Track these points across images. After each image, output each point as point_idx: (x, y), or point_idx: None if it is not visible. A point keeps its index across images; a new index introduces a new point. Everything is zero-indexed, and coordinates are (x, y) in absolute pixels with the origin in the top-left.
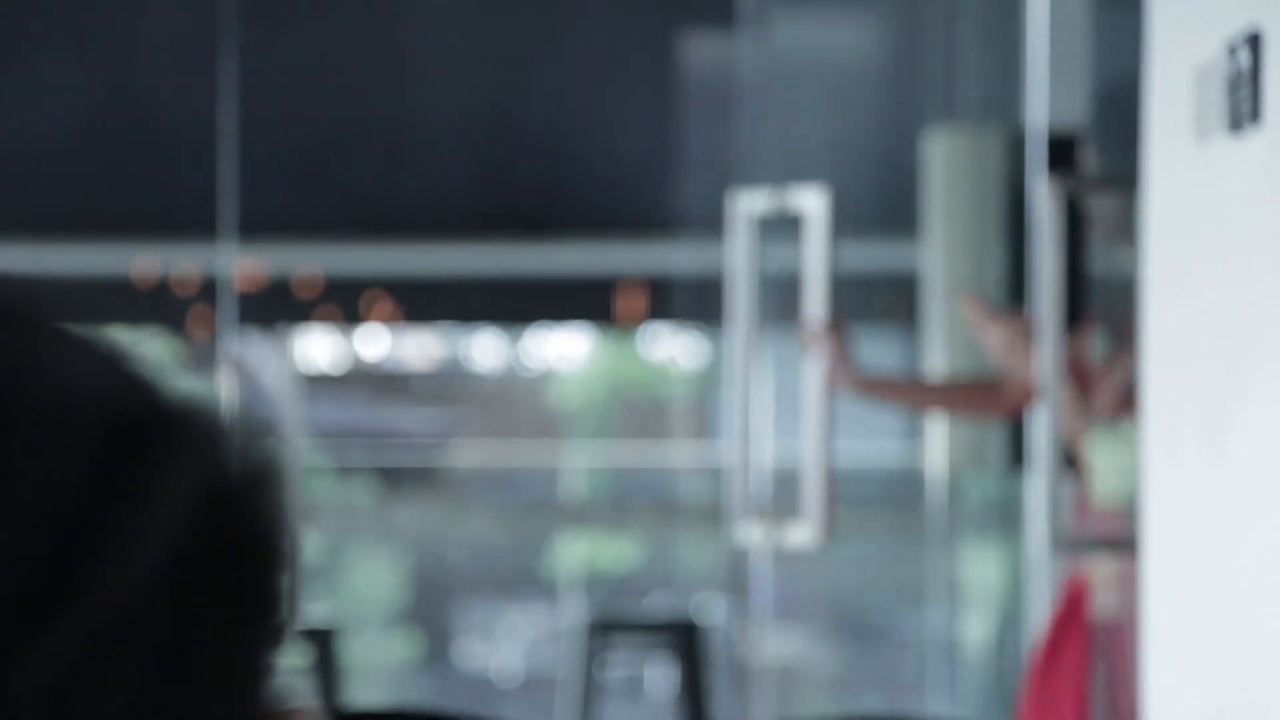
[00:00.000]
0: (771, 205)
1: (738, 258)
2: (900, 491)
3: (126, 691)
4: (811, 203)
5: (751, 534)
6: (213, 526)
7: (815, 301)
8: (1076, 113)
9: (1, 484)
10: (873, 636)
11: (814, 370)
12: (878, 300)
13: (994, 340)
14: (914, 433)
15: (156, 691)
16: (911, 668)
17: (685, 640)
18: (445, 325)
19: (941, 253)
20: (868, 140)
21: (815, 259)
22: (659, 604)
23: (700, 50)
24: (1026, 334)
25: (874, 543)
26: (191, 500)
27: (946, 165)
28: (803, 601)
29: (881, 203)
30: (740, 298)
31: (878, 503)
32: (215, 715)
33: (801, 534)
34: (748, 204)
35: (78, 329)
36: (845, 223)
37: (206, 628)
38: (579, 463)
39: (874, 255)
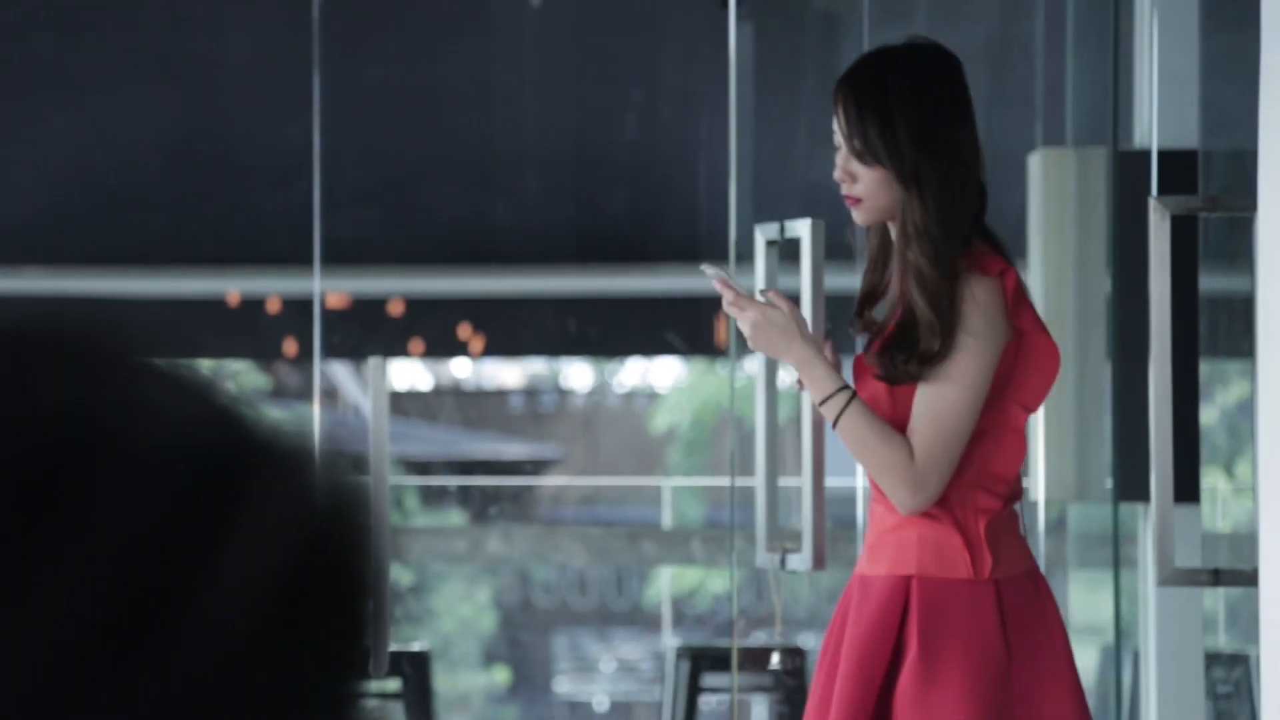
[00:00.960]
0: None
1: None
2: None
3: None
4: (803, 232)
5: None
6: (302, 558)
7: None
8: (1184, 134)
9: (92, 519)
10: None
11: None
12: None
13: (747, 330)
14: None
15: None
16: None
17: (786, 668)
18: (535, 351)
19: (1046, 277)
20: None
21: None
22: (758, 631)
23: (807, 60)
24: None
25: None
26: (281, 533)
27: (1052, 188)
28: None
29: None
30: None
31: None
32: None
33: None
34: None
35: (166, 361)
36: None
37: (296, 659)
38: (673, 487)
39: None
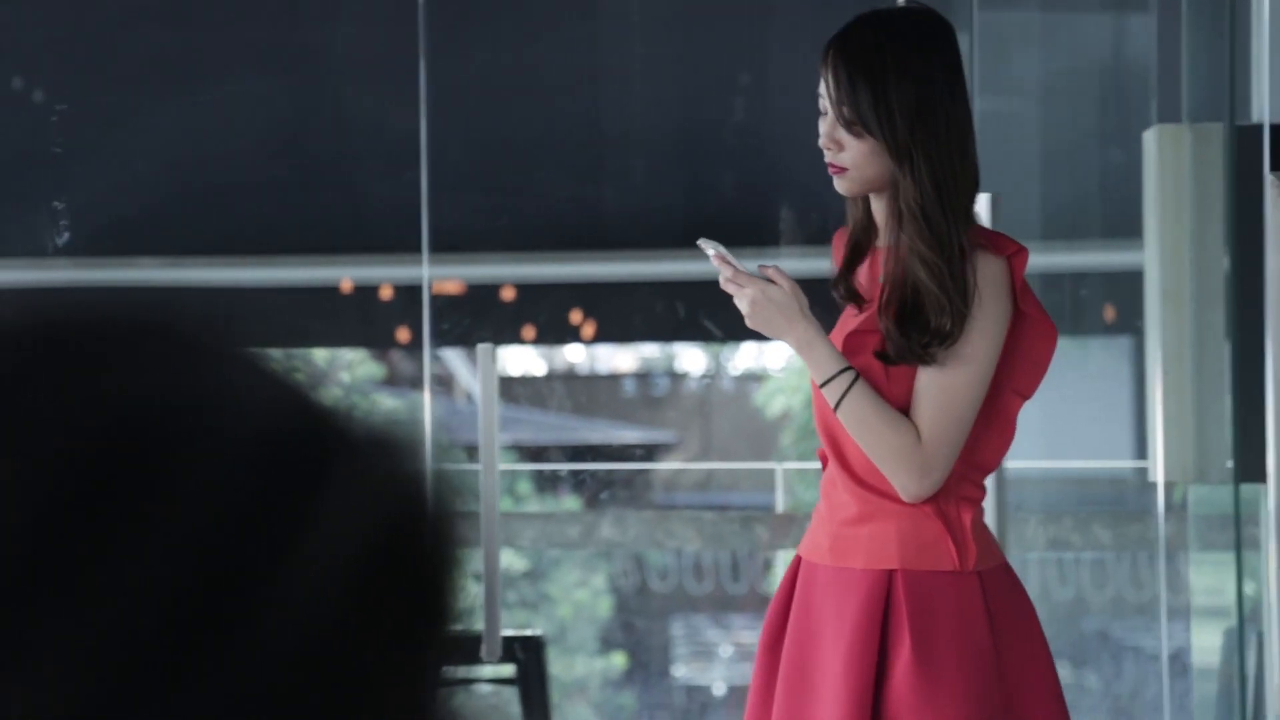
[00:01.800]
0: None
1: None
2: (1127, 502)
3: (308, 716)
4: (979, 207)
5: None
6: (381, 542)
7: None
8: None
9: (170, 505)
10: (1097, 649)
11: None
12: (1103, 308)
13: (745, 308)
14: (1139, 443)
15: (338, 716)
16: (1138, 681)
17: None
18: (647, 337)
19: (1162, 256)
20: (1087, 143)
21: None
22: None
23: None
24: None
25: (1099, 554)
26: (360, 517)
27: (1167, 165)
28: None
29: (1102, 207)
30: None
31: (1103, 514)
32: None
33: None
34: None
35: (255, 351)
36: (1066, 227)
37: (377, 643)
38: (798, 472)
39: (1096, 260)
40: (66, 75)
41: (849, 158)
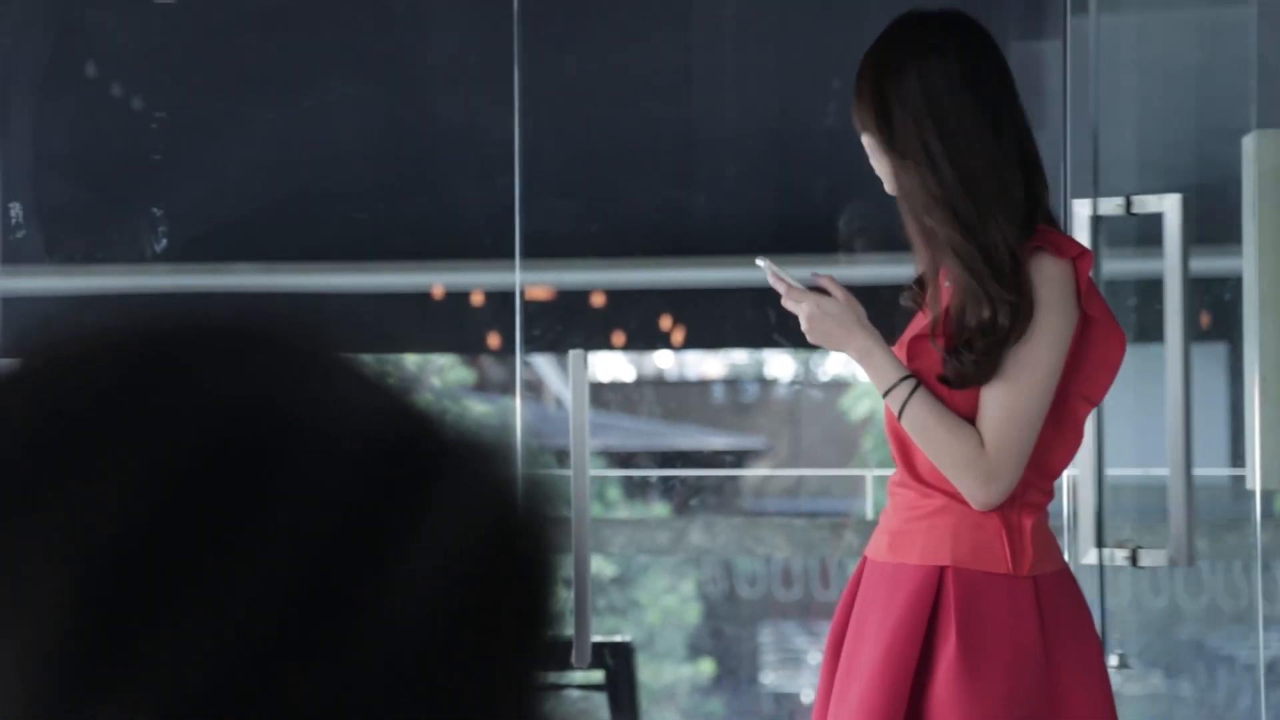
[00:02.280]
0: (1116, 211)
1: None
2: (1222, 509)
3: None
4: (1168, 208)
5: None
6: (486, 550)
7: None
8: None
9: (278, 512)
10: (1191, 658)
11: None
12: (1198, 314)
13: (804, 322)
14: (1235, 450)
15: None
16: (1233, 690)
17: None
18: (737, 343)
19: (1261, 263)
20: (1187, 146)
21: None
22: None
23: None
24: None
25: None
26: (465, 525)
27: (1267, 171)
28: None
29: (1199, 213)
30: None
31: (1198, 522)
32: None
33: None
34: (1086, 210)
35: (350, 356)
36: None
37: (481, 650)
38: (874, 477)
39: (1192, 266)
40: (165, 83)
41: (883, 174)
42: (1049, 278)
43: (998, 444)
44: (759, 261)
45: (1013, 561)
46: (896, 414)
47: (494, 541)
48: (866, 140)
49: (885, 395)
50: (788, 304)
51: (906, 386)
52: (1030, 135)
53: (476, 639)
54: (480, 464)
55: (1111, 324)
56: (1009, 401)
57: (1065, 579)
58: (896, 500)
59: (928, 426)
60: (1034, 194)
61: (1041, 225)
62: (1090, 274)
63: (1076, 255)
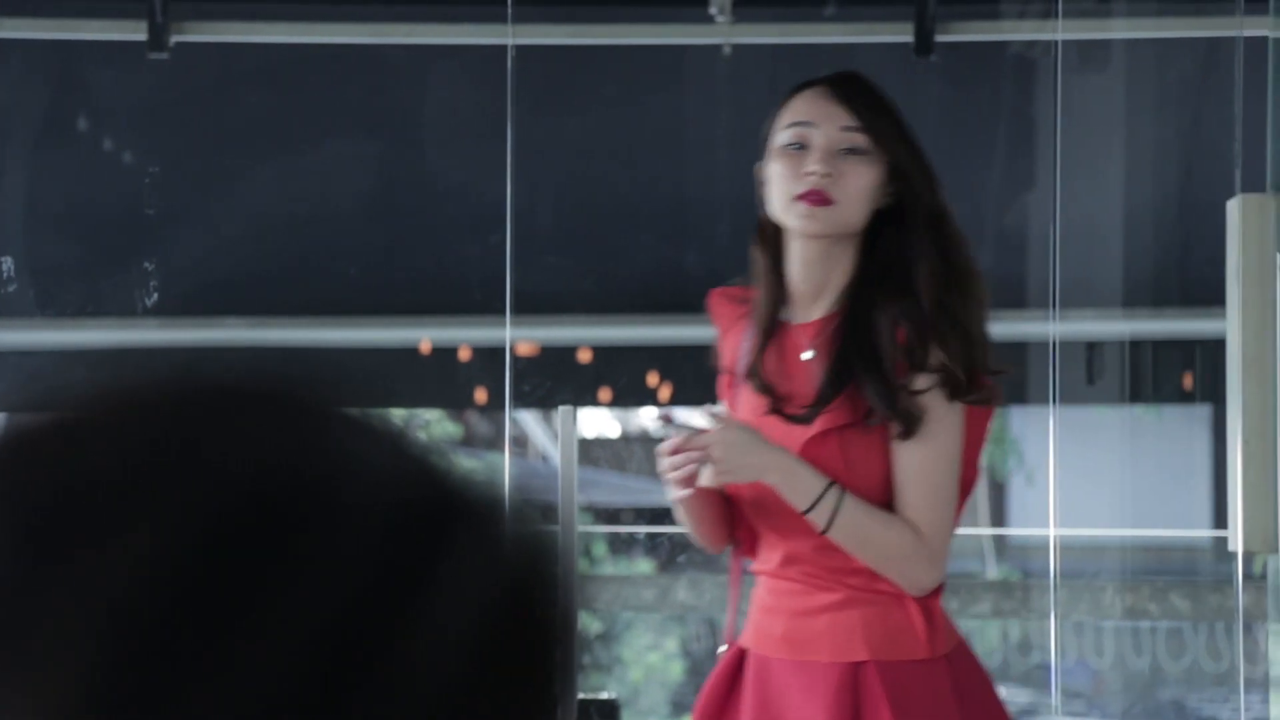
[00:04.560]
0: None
1: None
2: (1205, 571)
3: None
4: None
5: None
6: (499, 608)
7: None
8: None
9: (297, 572)
10: (1173, 718)
11: None
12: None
13: (719, 461)
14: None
15: None
16: None
17: None
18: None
19: (1245, 325)
20: (1170, 211)
21: None
22: None
23: (1001, 106)
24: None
25: (1177, 624)
26: (479, 584)
27: (1251, 236)
28: (1101, 681)
29: (1182, 275)
30: None
31: (1181, 584)
32: None
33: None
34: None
35: (364, 413)
36: (1147, 295)
37: (493, 707)
38: None
39: (1176, 328)
40: (158, 138)
41: (849, 189)
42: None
43: (930, 524)
44: (657, 416)
45: (929, 644)
46: (823, 527)
47: (515, 599)
48: (850, 161)
49: (809, 510)
50: (690, 457)
51: (834, 494)
52: None
53: (496, 697)
54: (501, 522)
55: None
56: (933, 474)
57: (966, 650)
58: (776, 589)
59: (863, 529)
60: None
61: None
62: None
63: None
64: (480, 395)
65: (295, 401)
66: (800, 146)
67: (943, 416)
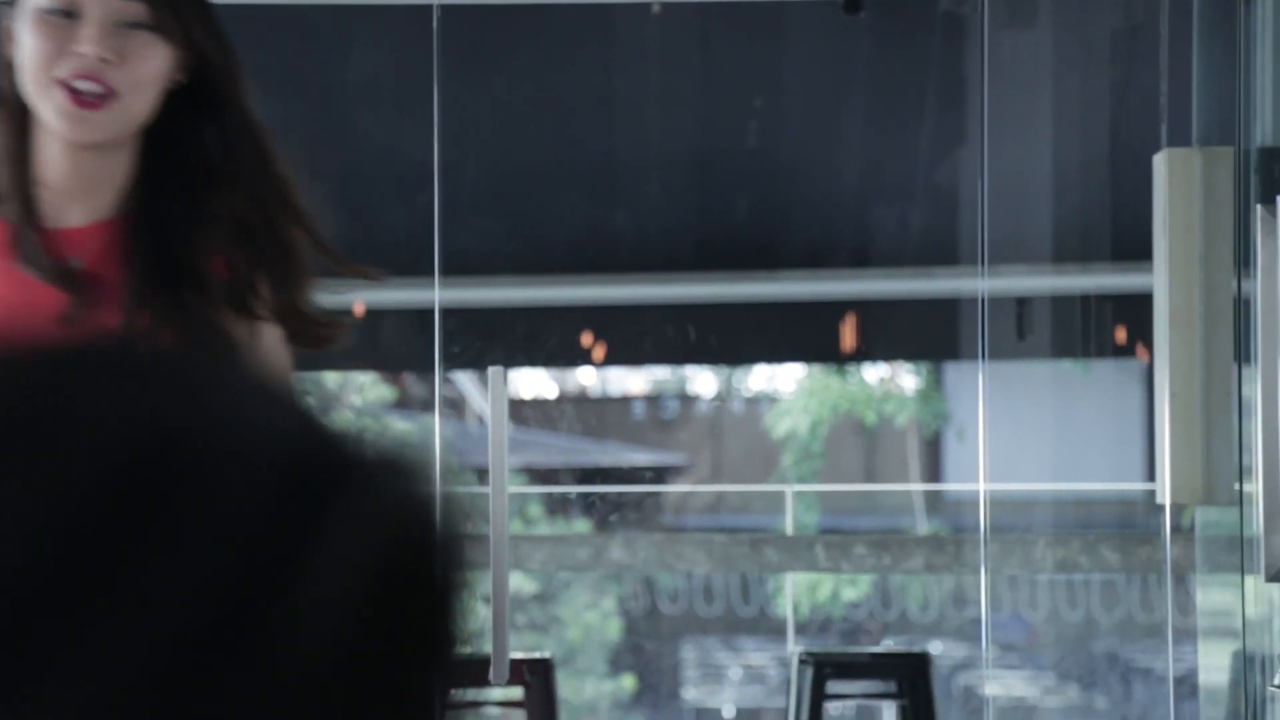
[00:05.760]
0: None
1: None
2: (1137, 524)
3: None
4: None
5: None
6: (388, 566)
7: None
8: None
9: (182, 529)
10: (1105, 671)
11: None
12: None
13: None
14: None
15: None
16: (1147, 703)
17: (913, 674)
18: (657, 360)
19: (1172, 279)
20: (1098, 167)
21: None
22: (885, 637)
23: (931, 63)
24: None
25: (1109, 576)
26: (367, 542)
27: (1178, 189)
28: (1035, 634)
29: (1113, 230)
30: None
31: (1112, 537)
32: None
33: None
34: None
35: (253, 374)
36: (1077, 250)
37: (383, 666)
38: (797, 494)
39: (1107, 283)
40: None
41: (135, 76)
42: None
43: None
44: None
45: None
46: None
47: (401, 559)
48: (139, 45)
49: None
50: None
51: None
52: None
53: (382, 656)
54: (389, 482)
55: None
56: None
57: None
58: None
59: None
60: None
61: None
62: None
63: None
64: (413, 358)
65: (179, 360)
66: (68, 14)
67: (267, 356)
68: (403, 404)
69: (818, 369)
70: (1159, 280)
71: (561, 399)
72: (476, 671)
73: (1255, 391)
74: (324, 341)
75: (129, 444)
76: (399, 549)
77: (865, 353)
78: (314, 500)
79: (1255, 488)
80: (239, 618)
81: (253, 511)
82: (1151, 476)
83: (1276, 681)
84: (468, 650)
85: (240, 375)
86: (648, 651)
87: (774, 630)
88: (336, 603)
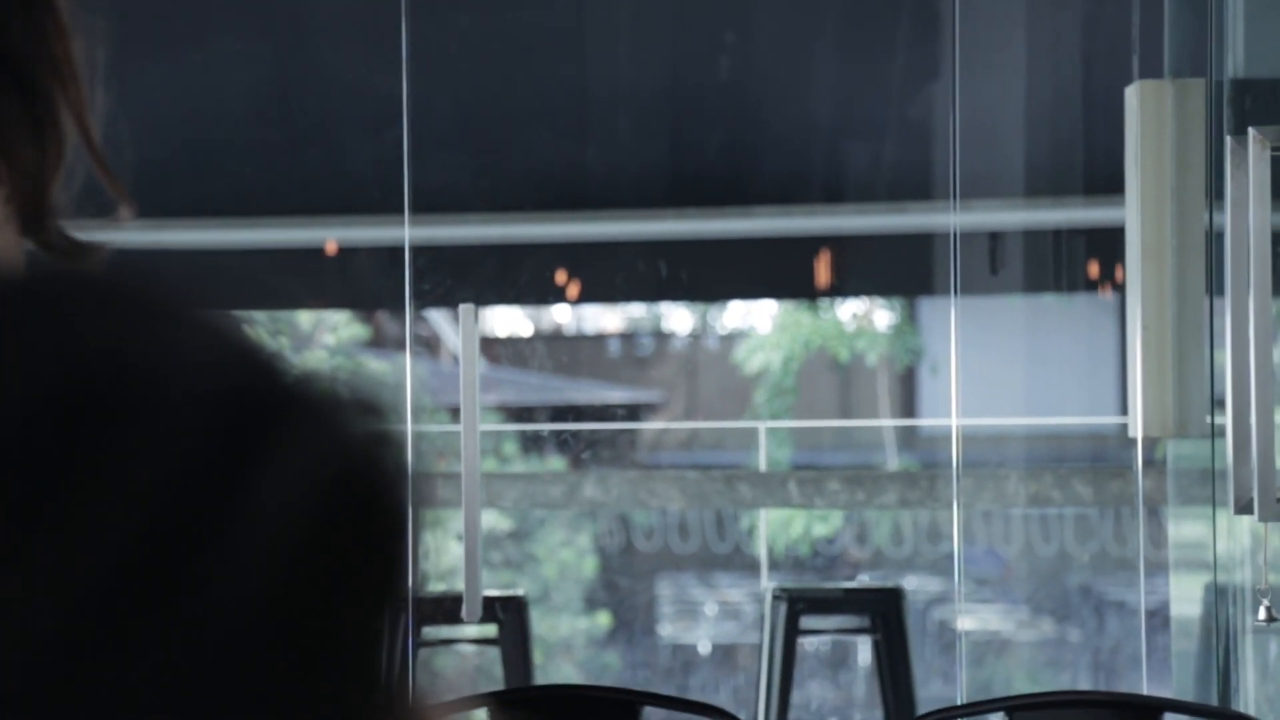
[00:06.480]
0: None
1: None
2: (1109, 458)
3: (250, 681)
4: None
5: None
6: (329, 501)
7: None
8: (1275, 65)
9: (117, 459)
10: (1079, 604)
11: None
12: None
13: None
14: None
15: (281, 679)
16: (1120, 635)
17: (886, 609)
18: (630, 297)
19: (1143, 212)
20: (1070, 99)
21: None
22: (859, 572)
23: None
24: None
25: (1082, 510)
26: (308, 476)
27: (1149, 121)
28: (1008, 568)
29: (1085, 163)
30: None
31: (1084, 471)
32: (343, 701)
33: None
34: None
35: (202, 308)
36: (1049, 184)
37: (324, 601)
38: (770, 430)
39: (1079, 217)
40: None
41: None
42: None
43: None
44: None
45: None
46: None
47: (341, 495)
48: None
49: None
50: None
51: None
52: None
53: (318, 589)
54: (332, 418)
55: None
56: None
57: None
58: None
59: None
60: None
61: None
62: None
63: None
64: (386, 296)
65: (125, 291)
66: None
67: None
68: (378, 342)
69: (790, 305)
70: (1131, 214)
71: (535, 337)
72: (450, 609)
73: (1225, 324)
74: (64, 255)
75: (66, 372)
76: (340, 484)
77: (838, 288)
78: (250, 431)
79: (1226, 420)
80: (173, 552)
81: (184, 441)
82: (1124, 410)
83: (1261, 617)
84: (420, 590)
85: (190, 311)
86: (622, 588)
87: (748, 566)
88: (273, 532)
